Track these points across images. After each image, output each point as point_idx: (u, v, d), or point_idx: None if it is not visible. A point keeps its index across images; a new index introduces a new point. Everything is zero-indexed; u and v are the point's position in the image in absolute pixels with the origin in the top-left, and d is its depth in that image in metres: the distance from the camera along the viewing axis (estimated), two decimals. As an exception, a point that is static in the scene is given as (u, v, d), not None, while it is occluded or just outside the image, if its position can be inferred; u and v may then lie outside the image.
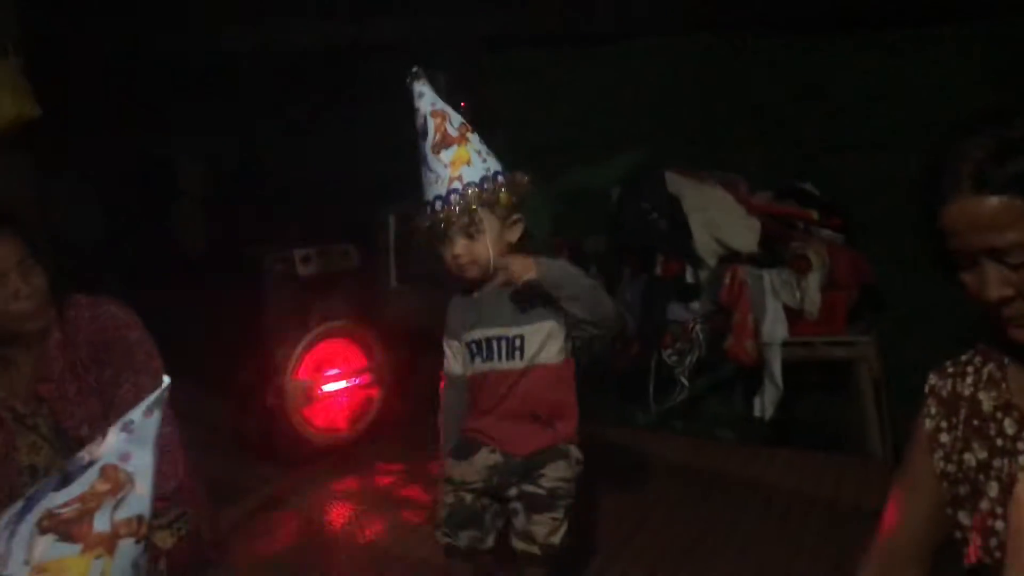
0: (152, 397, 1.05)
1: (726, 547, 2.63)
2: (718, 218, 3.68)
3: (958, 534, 1.29)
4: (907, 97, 3.99)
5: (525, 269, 1.94)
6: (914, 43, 4.05)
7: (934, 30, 3.98)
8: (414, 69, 2.03)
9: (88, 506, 0.99)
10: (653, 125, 4.43)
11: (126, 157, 4.43)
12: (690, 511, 2.91)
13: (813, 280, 3.63)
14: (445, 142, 1.96)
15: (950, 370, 1.33)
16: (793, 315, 3.64)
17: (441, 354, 2.18)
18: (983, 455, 1.25)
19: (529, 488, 2.03)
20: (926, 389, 1.35)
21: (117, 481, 1.00)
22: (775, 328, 3.58)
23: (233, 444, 3.22)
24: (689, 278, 3.73)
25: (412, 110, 2.03)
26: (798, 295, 3.63)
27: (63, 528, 0.98)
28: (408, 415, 3.33)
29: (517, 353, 2.01)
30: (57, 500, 1.00)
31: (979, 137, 1.11)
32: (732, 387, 3.94)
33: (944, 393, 1.32)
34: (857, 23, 4.14)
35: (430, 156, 1.98)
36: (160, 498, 1.80)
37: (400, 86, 2.06)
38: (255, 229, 3.85)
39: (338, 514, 2.97)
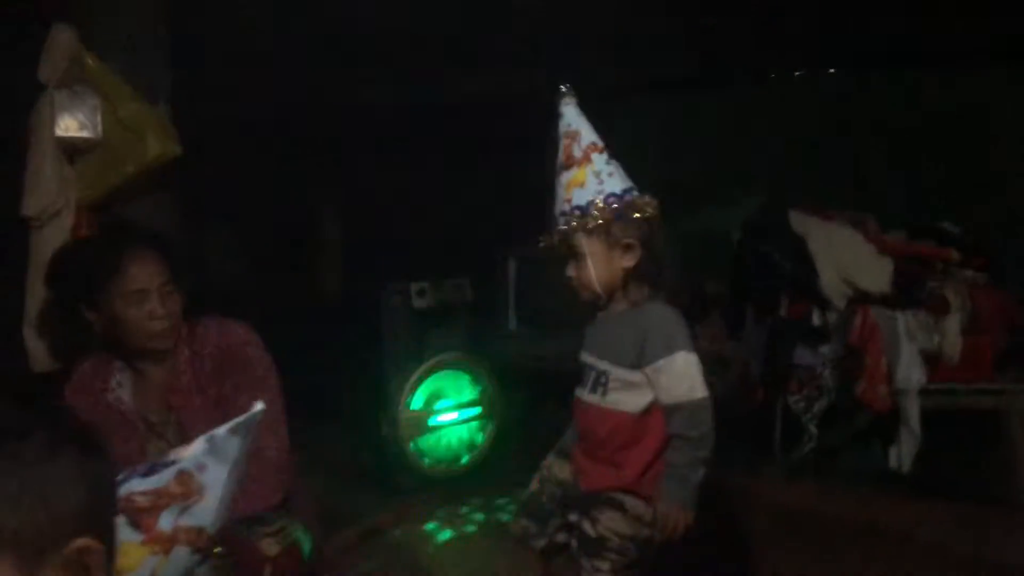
0: (240, 419, 1.09)
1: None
2: (846, 258, 3.53)
3: None
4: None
5: (680, 521, 1.87)
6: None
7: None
8: (563, 88, 2.01)
9: (159, 502, 1.03)
10: (782, 164, 4.34)
11: (267, 205, 4.73)
12: (812, 559, 2.75)
13: (952, 322, 3.40)
14: (568, 163, 1.96)
15: None
16: (932, 360, 3.42)
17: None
18: None
19: (585, 525, 1.97)
20: None
21: (189, 487, 1.04)
22: (911, 373, 3.37)
23: (348, 472, 3.33)
24: (816, 320, 3.58)
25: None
26: (936, 338, 3.41)
27: (134, 514, 1.03)
28: (523, 452, 3.34)
29: (600, 389, 1.96)
30: (138, 487, 1.05)
31: None
32: (869, 438, 3.72)
33: None
34: (997, 55, 3.94)
35: (556, 177, 1.99)
36: (266, 509, 1.90)
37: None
38: (386, 271, 3.99)
39: (444, 543, 3.00)
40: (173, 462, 1.07)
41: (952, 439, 3.54)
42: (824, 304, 3.56)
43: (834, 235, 3.60)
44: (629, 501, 1.94)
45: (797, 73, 4.40)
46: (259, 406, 1.11)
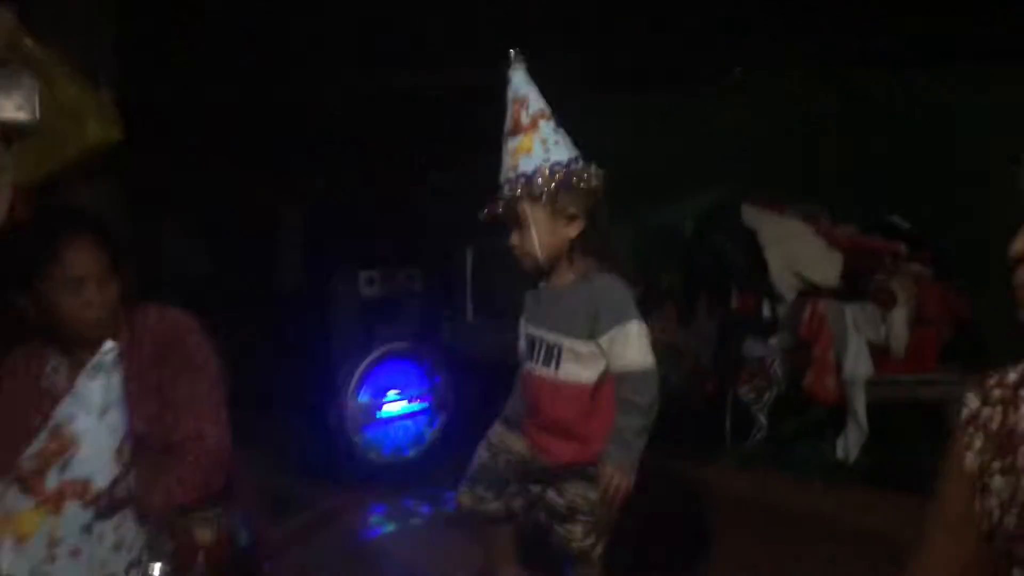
0: (94, 360, 1.09)
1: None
2: (797, 251, 3.58)
3: None
4: (1003, 129, 3.82)
5: (622, 486, 1.90)
6: (1013, 77, 3.89)
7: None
8: (512, 52, 2.00)
9: (42, 463, 1.04)
10: (740, 161, 4.39)
11: (229, 197, 4.69)
12: (759, 547, 2.79)
13: (899, 315, 3.47)
14: (515, 130, 1.95)
15: (995, 393, 1.08)
16: (878, 352, 3.48)
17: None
18: None
19: (551, 495, 2.00)
20: (964, 415, 1.10)
21: (63, 441, 1.04)
22: (858, 365, 3.43)
23: (295, 462, 3.30)
24: (766, 312, 3.64)
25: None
26: (883, 331, 3.47)
27: (23, 481, 1.03)
28: (473, 444, 3.35)
29: (553, 362, 1.97)
30: (27, 453, 1.06)
31: None
32: (821, 429, 3.78)
33: (994, 426, 1.06)
34: (954, 57, 4.02)
35: (503, 142, 1.98)
36: (204, 498, 1.89)
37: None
38: (341, 261, 3.96)
39: (391, 532, 3.01)
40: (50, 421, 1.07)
41: (897, 430, 3.62)
42: (774, 297, 3.61)
43: (785, 228, 3.65)
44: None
45: (756, 71, 4.44)
46: (108, 344, 1.10)
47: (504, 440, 2.10)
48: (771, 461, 3.61)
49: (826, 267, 3.54)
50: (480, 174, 2.28)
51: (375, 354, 3.20)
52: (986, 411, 1.08)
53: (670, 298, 3.88)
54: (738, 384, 3.61)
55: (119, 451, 1.07)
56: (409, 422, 3.38)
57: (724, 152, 4.39)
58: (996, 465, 1.05)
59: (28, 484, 1.03)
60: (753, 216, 3.70)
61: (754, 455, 3.63)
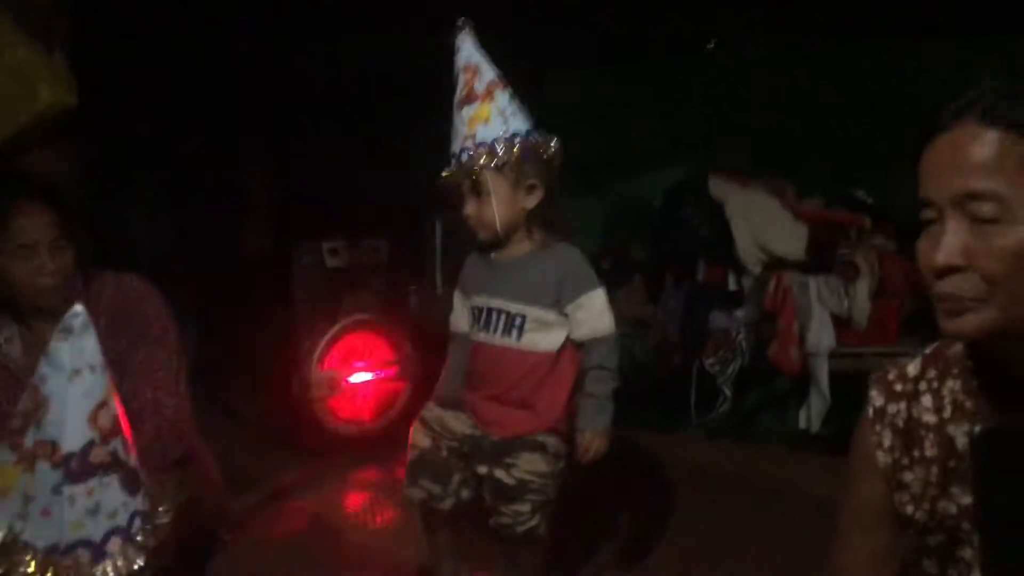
0: (62, 323, 1.08)
1: (744, 552, 2.55)
2: (762, 224, 3.60)
3: None
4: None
5: (597, 447, 1.96)
6: (977, 50, 3.92)
7: (998, 39, 3.85)
8: (460, 21, 1.99)
9: (24, 422, 1.06)
10: (708, 134, 4.40)
11: (194, 167, 4.62)
12: (722, 516, 2.83)
13: (861, 288, 3.51)
14: (469, 98, 1.93)
15: (898, 388, 1.09)
16: (841, 324, 3.52)
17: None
18: (966, 500, 1.01)
19: (499, 474, 1.97)
20: (870, 413, 1.11)
21: (37, 401, 1.06)
22: (821, 336, 3.47)
23: (259, 432, 3.29)
24: (732, 285, 3.67)
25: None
26: (846, 303, 3.51)
27: (9, 437, 1.06)
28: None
29: (515, 331, 1.96)
30: (16, 410, 1.09)
31: (994, 81, 0.96)
32: (787, 402, 3.83)
33: (900, 422, 1.07)
34: (918, 31, 4.04)
35: (455, 112, 1.95)
36: (164, 468, 1.87)
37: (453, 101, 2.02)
38: (308, 231, 3.92)
39: (353, 503, 3.02)
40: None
41: (859, 401, 3.66)
42: (740, 269, 3.64)
43: (751, 201, 3.67)
44: (551, 441, 1.99)
45: (723, 43, 4.44)
46: (78, 307, 1.09)
47: (444, 423, 2.06)
48: (736, 431, 3.66)
49: (791, 240, 3.56)
50: (445, 142, 2.26)
51: (340, 324, 3.18)
52: (891, 407, 1.09)
53: (638, 271, 3.89)
54: (704, 356, 3.63)
55: (94, 415, 1.07)
56: (375, 393, 3.36)
57: (692, 125, 4.40)
58: (906, 460, 1.07)
59: (13, 440, 1.06)
60: (720, 189, 3.72)
61: (719, 426, 3.67)
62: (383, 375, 3.35)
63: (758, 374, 3.65)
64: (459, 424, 2.05)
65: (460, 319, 2.11)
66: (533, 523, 1.97)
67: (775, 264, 3.57)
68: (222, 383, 3.27)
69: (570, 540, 2.43)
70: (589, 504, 2.62)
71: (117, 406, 1.13)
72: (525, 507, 1.96)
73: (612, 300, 3.53)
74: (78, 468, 1.05)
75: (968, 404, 1.02)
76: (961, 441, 1.02)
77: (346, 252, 3.24)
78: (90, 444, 1.06)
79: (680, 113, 4.46)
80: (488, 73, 1.95)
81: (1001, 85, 0.94)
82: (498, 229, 1.94)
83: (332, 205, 4.17)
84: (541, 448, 1.97)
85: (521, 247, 1.99)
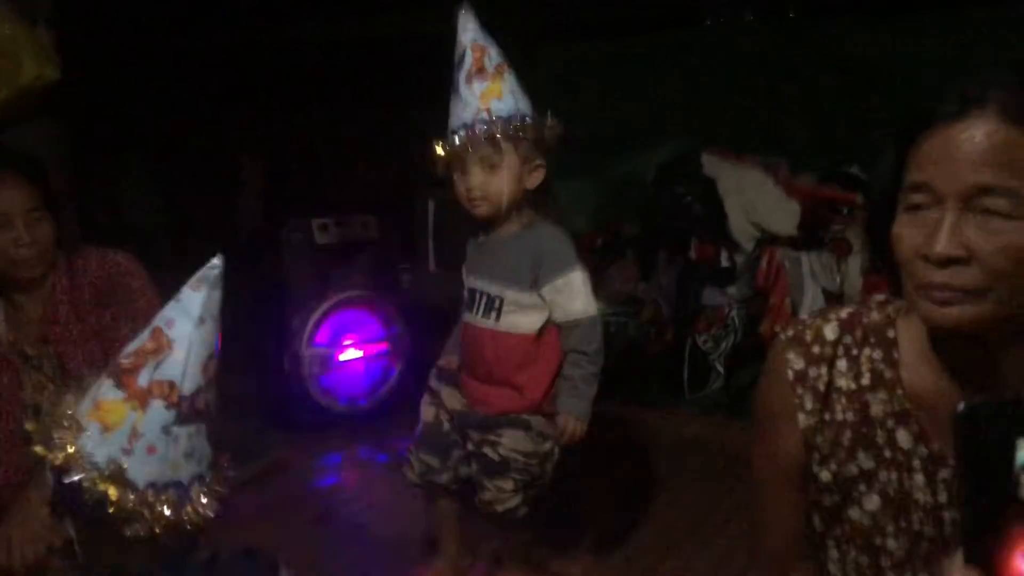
0: (199, 272, 1.14)
1: (736, 527, 2.56)
2: (755, 200, 3.59)
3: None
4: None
5: (576, 431, 1.96)
6: (974, 24, 3.90)
7: (996, 11, 3.83)
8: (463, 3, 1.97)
9: (138, 361, 1.09)
10: (701, 111, 4.37)
11: (185, 144, 4.61)
12: (714, 491, 2.84)
13: (854, 264, 3.51)
14: (480, 74, 1.92)
15: (815, 350, 1.11)
16: (833, 300, 3.52)
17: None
18: (869, 464, 1.07)
19: (485, 450, 2.00)
20: (791, 377, 1.11)
21: (160, 343, 1.10)
22: (813, 312, 3.46)
23: (250, 410, 3.29)
24: (724, 262, 3.66)
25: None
26: (838, 279, 3.51)
27: (118, 375, 1.10)
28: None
29: (493, 314, 1.98)
30: (124, 351, 1.13)
31: (1010, 71, 0.94)
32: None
33: (821, 386, 1.10)
34: (915, 4, 4.02)
35: (462, 85, 1.93)
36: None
37: (447, 75, 2.01)
38: (300, 208, 3.90)
39: (345, 480, 3.02)
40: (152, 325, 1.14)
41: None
42: (732, 246, 3.63)
43: (744, 178, 3.65)
44: (535, 420, 2.01)
45: (717, 18, 4.41)
46: (217, 260, 1.15)
47: (447, 399, 2.09)
48: (728, 407, 3.66)
49: (784, 216, 3.56)
50: (438, 121, 2.25)
51: (331, 301, 3.18)
52: (812, 371, 1.10)
53: (630, 248, 3.88)
54: (696, 332, 3.64)
55: (206, 364, 1.13)
56: (366, 370, 3.36)
57: (684, 102, 4.38)
58: (818, 422, 1.10)
59: (122, 378, 1.09)
60: (713, 165, 3.71)
61: (711, 402, 3.68)
62: (374, 352, 3.35)
63: (751, 350, 3.64)
64: (452, 400, 2.08)
65: (464, 298, 2.12)
66: (513, 503, 1.99)
67: (767, 240, 3.57)
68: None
69: (562, 516, 2.44)
70: (582, 481, 2.63)
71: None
72: (508, 484, 1.98)
73: (604, 277, 3.54)
74: (188, 411, 1.10)
75: (888, 375, 1.06)
76: (876, 409, 1.06)
77: (336, 229, 3.23)
78: (199, 390, 1.12)
79: (673, 89, 4.44)
80: (495, 54, 1.95)
81: (1020, 78, 0.93)
82: (502, 204, 1.94)
83: (321, 182, 4.15)
84: (525, 427, 1.99)
85: (509, 228, 1.99)
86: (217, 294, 1.13)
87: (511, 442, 1.98)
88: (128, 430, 1.08)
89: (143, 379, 1.08)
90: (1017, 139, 0.88)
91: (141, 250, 2.20)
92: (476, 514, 2.08)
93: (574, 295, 1.96)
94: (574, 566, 2.35)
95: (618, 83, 4.71)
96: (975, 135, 0.89)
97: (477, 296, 2.01)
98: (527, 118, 1.92)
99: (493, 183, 1.91)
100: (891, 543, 1.07)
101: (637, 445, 3.21)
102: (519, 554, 2.15)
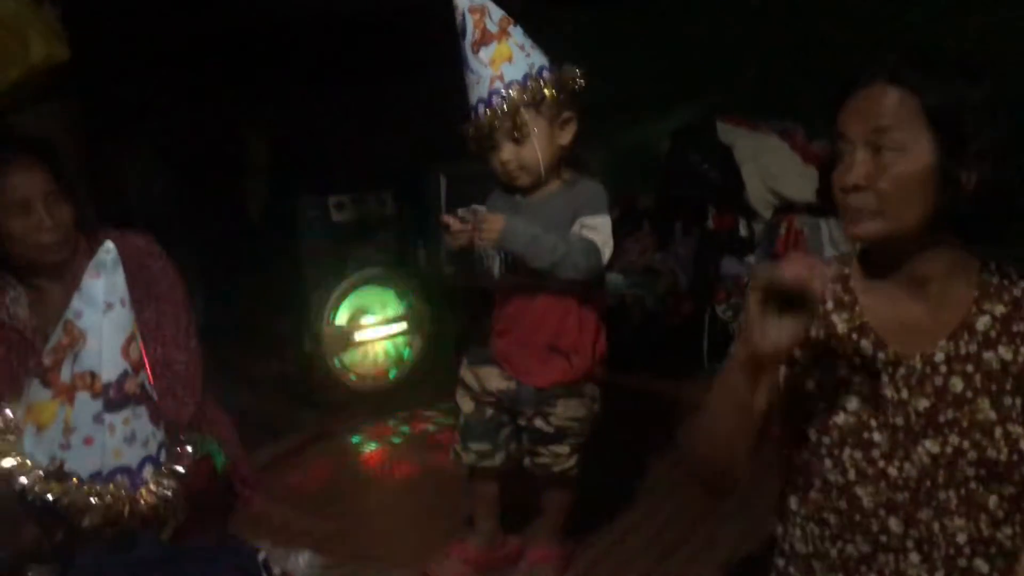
0: (95, 259, 1.15)
1: (757, 498, 2.54)
2: (772, 168, 3.55)
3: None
4: (983, 38, 3.76)
5: (492, 229, 1.84)
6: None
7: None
8: None
9: (57, 357, 1.12)
10: (712, 76, 4.30)
11: (196, 122, 4.55)
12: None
13: (874, 229, 3.46)
14: (485, 39, 1.86)
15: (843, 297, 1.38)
16: (853, 266, 3.49)
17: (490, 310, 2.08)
18: (843, 372, 1.33)
19: (539, 423, 2.00)
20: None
21: (73, 336, 1.12)
22: (833, 280, 3.43)
23: (272, 391, 3.29)
24: (743, 231, 3.63)
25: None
26: (857, 245, 3.46)
27: (43, 374, 1.13)
28: (452, 367, 3.35)
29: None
30: (45, 349, 1.16)
31: (902, 51, 1.28)
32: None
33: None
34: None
35: (470, 56, 1.88)
36: (177, 422, 1.87)
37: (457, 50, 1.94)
38: (313, 186, 3.86)
39: (370, 457, 3.02)
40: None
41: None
42: (750, 214, 3.59)
43: (760, 145, 3.61)
44: (588, 387, 2.02)
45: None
46: (109, 244, 1.16)
47: (480, 381, 2.05)
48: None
49: (802, 183, 3.51)
50: (449, 94, 2.20)
51: (349, 279, 3.16)
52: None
53: (647, 219, 3.84)
54: (715, 303, 3.60)
55: (126, 348, 1.14)
56: (387, 345, 3.34)
57: (698, 67, 4.30)
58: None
59: (46, 377, 1.12)
60: (728, 133, 3.66)
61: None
62: (392, 329, 3.33)
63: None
64: (491, 380, 2.04)
65: (492, 262, 2.01)
66: (569, 464, 2.01)
67: (786, 208, 3.53)
68: (232, 343, 3.26)
69: (582, 487, 2.43)
70: (603, 450, 2.62)
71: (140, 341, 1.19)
72: (564, 448, 2.00)
73: (621, 249, 3.49)
74: (116, 397, 1.11)
75: (847, 298, 1.36)
76: (841, 326, 1.34)
77: (352, 206, 3.20)
78: (124, 375, 1.13)
79: (686, 54, 4.36)
80: (496, 10, 1.90)
81: (906, 54, 1.26)
82: (541, 171, 1.89)
83: (335, 158, 4.11)
84: (579, 394, 1.99)
85: (550, 187, 1.95)
86: (118, 278, 1.15)
87: (565, 411, 1.98)
88: (61, 426, 1.10)
89: (65, 374, 1.11)
90: (903, 97, 1.21)
91: (156, 230, 2.18)
92: (514, 492, 2.09)
93: (598, 231, 1.90)
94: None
95: (628, 47, 4.62)
96: (874, 93, 1.24)
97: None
98: (544, 71, 1.86)
99: (526, 153, 1.86)
100: (877, 436, 1.30)
101: (657, 414, 3.19)
102: (556, 529, 2.15)
